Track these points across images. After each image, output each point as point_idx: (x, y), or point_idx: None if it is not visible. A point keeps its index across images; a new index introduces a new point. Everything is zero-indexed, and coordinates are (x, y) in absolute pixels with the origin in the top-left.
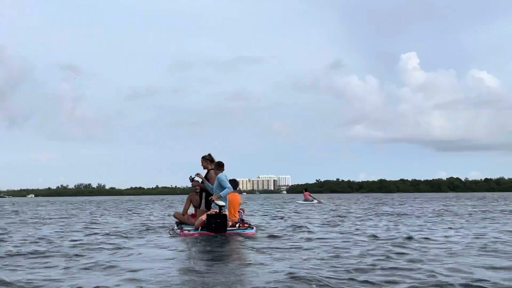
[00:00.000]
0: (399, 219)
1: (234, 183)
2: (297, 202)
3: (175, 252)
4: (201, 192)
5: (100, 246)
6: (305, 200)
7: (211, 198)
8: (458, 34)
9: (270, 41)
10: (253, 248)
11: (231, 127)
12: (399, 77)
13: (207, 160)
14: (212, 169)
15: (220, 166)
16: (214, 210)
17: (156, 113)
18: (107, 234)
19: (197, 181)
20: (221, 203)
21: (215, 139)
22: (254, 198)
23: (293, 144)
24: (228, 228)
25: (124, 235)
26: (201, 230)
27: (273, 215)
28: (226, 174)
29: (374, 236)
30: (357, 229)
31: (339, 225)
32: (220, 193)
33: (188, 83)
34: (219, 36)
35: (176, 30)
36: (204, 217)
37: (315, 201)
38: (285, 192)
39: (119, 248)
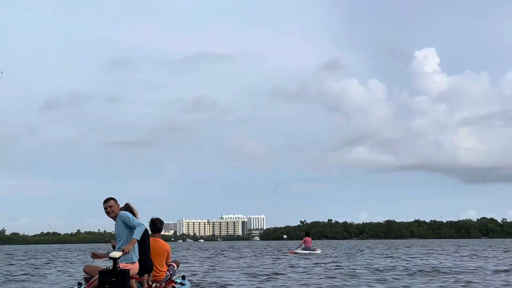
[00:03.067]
0: None
1: (153, 224)
2: (296, 252)
3: None
4: None
5: None
6: (306, 248)
7: (124, 249)
8: (490, 25)
9: (242, 33)
10: None
11: (187, 149)
12: (413, 82)
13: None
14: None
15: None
16: (124, 263)
17: (82, 130)
18: None
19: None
20: (117, 254)
21: (163, 166)
22: (210, 247)
23: (271, 173)
24: None
25: None
26: None
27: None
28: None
29: None
30: None
31: None
32: (134, 236)
33: (128, 88)
34: (173, 25)
35: (113, 17)
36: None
37: (318, 250)
38: (257, 238)
39: None
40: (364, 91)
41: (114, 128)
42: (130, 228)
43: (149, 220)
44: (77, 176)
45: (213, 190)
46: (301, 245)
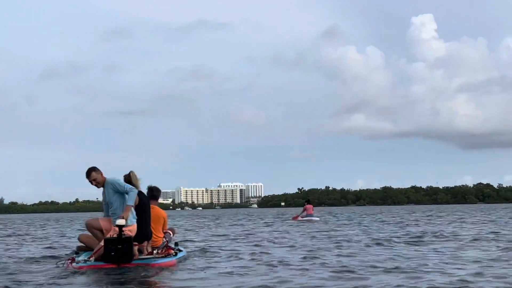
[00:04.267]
0: None
1: (150, 192)
2: (300, 219)
3: None
4: None
5: None
6: (308, 215)
7: (122, 216)
8: None
9: (240, 0)
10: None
11: (185, 118)
12: (410, 48)
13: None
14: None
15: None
16: (129, 229)
17: (81, 99)
18: None
19: None
20: (122, 221)
21: (161, 135)
22: (208, 214)
23: (269, 141)
24: (143, 256)
25: None
26: (95, 261)
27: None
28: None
29: None
30: None
31: None
32: (128, 203)
33: (126, 58)
34: None
35: None
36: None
37: (316, 217)
38: (255, 205)
39: None
40: (362, 58)
41: (112, 97)
42: (122, 193)
43: (146, 188)
44: (76, 146)
45: (211, 159)
46: (303, 212)
